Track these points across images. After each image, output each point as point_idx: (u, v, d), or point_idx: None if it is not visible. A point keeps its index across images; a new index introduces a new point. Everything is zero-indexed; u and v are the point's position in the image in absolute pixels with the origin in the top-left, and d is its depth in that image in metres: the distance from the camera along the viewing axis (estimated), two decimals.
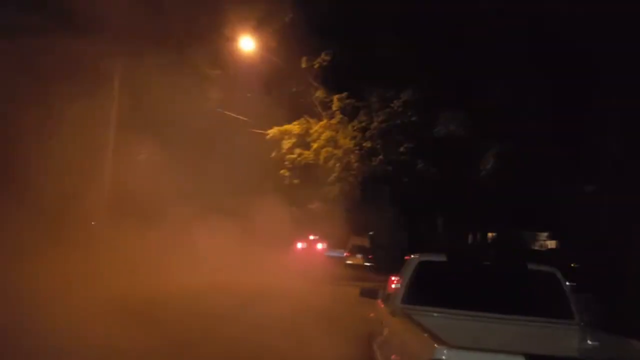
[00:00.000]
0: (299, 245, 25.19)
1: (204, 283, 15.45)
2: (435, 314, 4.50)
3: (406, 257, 5.34)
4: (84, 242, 16.09)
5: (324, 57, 19.05)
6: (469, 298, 4.64)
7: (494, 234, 28.82)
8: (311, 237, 26.25)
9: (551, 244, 31.43)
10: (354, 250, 27.52)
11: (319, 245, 27.67)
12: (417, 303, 4.66)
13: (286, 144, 20.52)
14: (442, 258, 4.89)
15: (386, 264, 20.14)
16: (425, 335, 3.21)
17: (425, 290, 4.76)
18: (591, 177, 17.71)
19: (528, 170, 18.07)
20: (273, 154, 20.89)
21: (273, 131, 20.74)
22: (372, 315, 5.77)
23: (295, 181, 20.81)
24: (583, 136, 15.93)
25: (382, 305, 5.27)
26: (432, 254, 5.15)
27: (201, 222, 19.70)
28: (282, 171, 20.83)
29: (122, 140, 18.42)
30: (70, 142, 17.39)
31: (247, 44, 19.79)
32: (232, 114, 20.39)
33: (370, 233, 27.67)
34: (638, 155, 13.60)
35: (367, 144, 18.96)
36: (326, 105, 20.51)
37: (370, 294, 5.60)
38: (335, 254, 27.90)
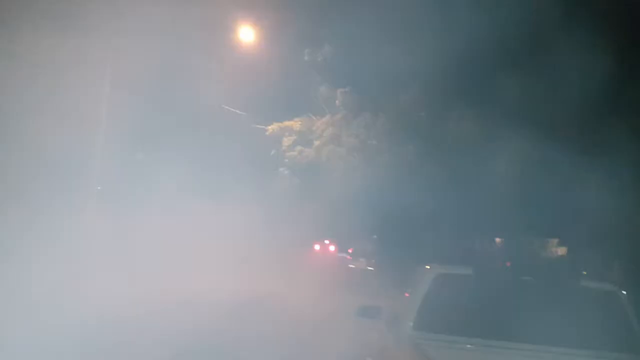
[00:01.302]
0: (316, 247, 27.04)
1: (190, 290, 14.55)
2: (457, 347, 3.37)
3: (420, 268, 4.22)
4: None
5: (326, 50, 17.96)
6: (503, 324, 3.52)
7: (500, 240, 27.75)
8: (326, 241, 27.73)
9: (561, 250, 30.33)
10: (357, 254, 26.70)
11: (332, 248, 28.77)
12: (432, 330, 3.55)
13: (286, 141, 19.45)
14: (466, 270, 3.77)
15: (389, 271, 19.03)
16: None
17: (444, 313, 3.66)
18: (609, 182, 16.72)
19: (544, 173, 17.01)
20: (273, 152, 19.83)
21: (273, 127, 19.70)
22: (373, 338, 4.65)
23: (296, 181, 19.74)
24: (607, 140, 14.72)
25: (386, 330, 4.15)
26: (453, 265, 4.04)
27: (194, 221, 18.79)
28: (281, 169, 19.76)
29: (113, 137, 17.47)
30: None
31: (246, 35, 18.77)
32: (231, 109, 19.40)
33: (375, 236, 26.60)
34: None
35: (372, 142, 17.83)
36: (330, 102, 19.41)
37: (369, 313, 4.47)
38: (344, 254, 28.40)
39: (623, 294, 3.56)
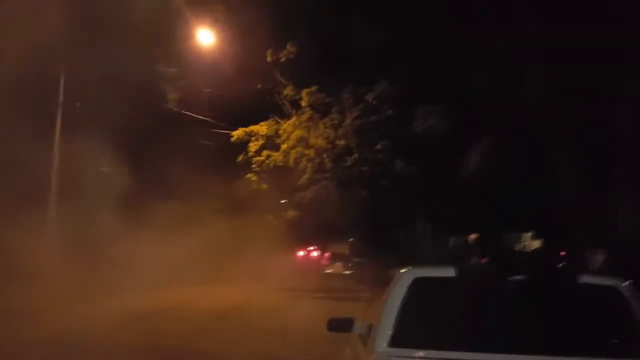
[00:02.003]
0: (300, 253, 28.34)
1: (166, 300, 13.91)
2: None
3: (392, 272, 3.67)
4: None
5: (289, 49, 17.40)
6: (496, 333, 2.98)
7: (474, 236, 27.58)
8: (310, 248, 28.64)
9: (536, 243, 30.40)
10: (333, 259, 26.07)
11: (314, 253, 29.05)
12: (412, 345, 2.99)
13: (253, 146, 18.77)
14: (447, 272, 3.22)
15: (367, 275, 18.53)
16: None
17: (425, 325, 3.10)
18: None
19: (515, 168, 16.83)
20: (239, 158, 19.13)
21: (238, 132, 19.00)
22: (345, 356, 4.07)
23: (264, 186, 19.09)
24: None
25: (360, 346, 3.57)
26: (431, 266, 3.48)
27: (161, 233, 18.03)
28: (248, 175, 19.08)
29: (70, 147, 16.57)
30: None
31: (206, 37, 18.06)
32: (191, 114, 18.66)
33: (351, 240, 26.08)
34: None
35: (341, 142, 17.33)
36: (296, 104, 18.85)
37: (342, 325, 3.90)
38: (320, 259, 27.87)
39: (628, 287, 3.08)
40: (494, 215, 20.67)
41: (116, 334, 9.09)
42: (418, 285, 3.20)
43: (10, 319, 10.09)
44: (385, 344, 3.04)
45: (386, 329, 3.11)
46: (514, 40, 13.01)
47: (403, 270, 3.39)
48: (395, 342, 3.02)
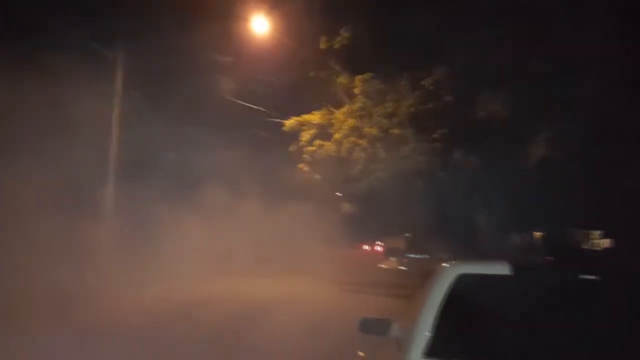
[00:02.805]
0: (365, 247, 31.13)
1: (218, 290, 13.92)
2: None
3: (434, 267, 3.08)
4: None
5: (343, 35, 16.79)
6: (558, 347, 2.35)
7: (542, 234, 26.11)
8: (375, 242, 30.23)
9: (604, 242, 28.42)
10: (388, 253, 25.47)
11: (378, 247, 30.29)
12: (452, 356, 2.41)
13: (305, 135, 18.34)
14: (501, 269, 2.60)
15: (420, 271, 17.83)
16: None
17: (470, 332, 2.51)
18: None
19: (585, 158, 15.50)
20: (291, 148, 18.78)
21: (291, 122, 18.62)
22: None
23: (317, 177, 18.66)
24: None
25: (396, 353, 3.01)
26: (480, 261, 2.88)
27: (214, 222, 18.06)
28: (300, 165, 18.69)
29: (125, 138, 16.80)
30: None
31: (260, 26, 17.75)
32: (246, 104, 18.46)
33: (407, 235, 25.31)
34: None
35: (395, 131, 16.57)
36: (350, 93, 18.22)
37: (376, 328, 3.36)
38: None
39: None
40: (560, 211, 19.31)
41: (166, 324, 9.05)
42: (463, 283, 2.62)
43: (68, 302, 10.30)
44: (419, 354, 2.49)
45: (422, 336, 2.55)
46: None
47: (445, 265, 2.82)
48: (432, 351, 2.46)
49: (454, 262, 2.81)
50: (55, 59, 15.08)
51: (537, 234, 27.25)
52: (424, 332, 2.52)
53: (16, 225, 12.57)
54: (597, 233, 29.57)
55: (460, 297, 2.57)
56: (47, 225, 13.17)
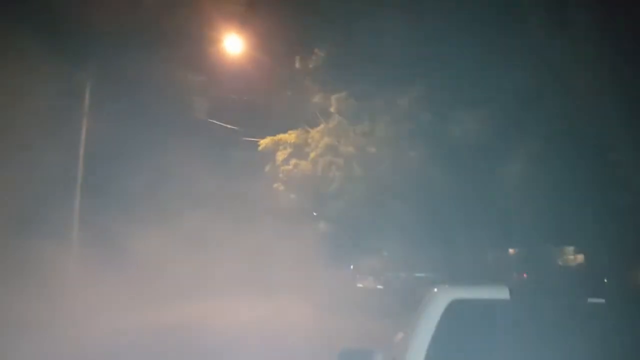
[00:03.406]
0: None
1: (190, 313, 13.43)
2: None
3: (423, 291, 2.87)
4: None
5: (318, 54, 16.77)
6: None
7: (514, 251, 26.27)
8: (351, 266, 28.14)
9: (579, 258, 28.77)
10: (364, 273, 25.20)
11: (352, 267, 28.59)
12: None
13: (281, 155, 18.14)
14: (500, 294, 2.40)
15: (399, 290, 17.59)
16: None
17: None
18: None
19: (559, 175, 15.68)
20: (267, 168, 18.54)
21: (266, 141, 18.42)
22: None
23: (292, 196, 18.41)
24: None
25: None
26: (474, 285, 2.67)
27: (186, 243, 17.60)
28: (275, 185, 18.43)
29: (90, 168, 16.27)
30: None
31: (234, 45, 17.63)
32: (220, 123, 18.22)
33: (385, 254, 25.18)
34: None
35: (372, 150, 16.49)
36: (326, 112, 18.14)
37: (355, 359, 3.11)
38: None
39: None
40: (534, 228, 19.43)
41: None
42: (456, 310, 2.41)
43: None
44: None
45: None
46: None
47: (437, 290, 2.60)
48: None
49: (445, 286, 2.60)
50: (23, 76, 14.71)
51: (511, 251, 27.42)
52: None
53: None
54: (570, 249, 29.96)
55: (454, 326, 2.36)
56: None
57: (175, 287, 16.60)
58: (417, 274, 20.82)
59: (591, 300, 2.31)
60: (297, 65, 17.52)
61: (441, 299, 2.51)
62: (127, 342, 9.61)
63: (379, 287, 23.43)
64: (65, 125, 16.14)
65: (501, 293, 2.38)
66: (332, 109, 17.25)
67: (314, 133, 17.98)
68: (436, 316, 2.44)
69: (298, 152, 18.23)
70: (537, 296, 2.53)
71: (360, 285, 24.41)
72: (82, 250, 15.23)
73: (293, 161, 17.89)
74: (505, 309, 2.34)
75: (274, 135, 18.58)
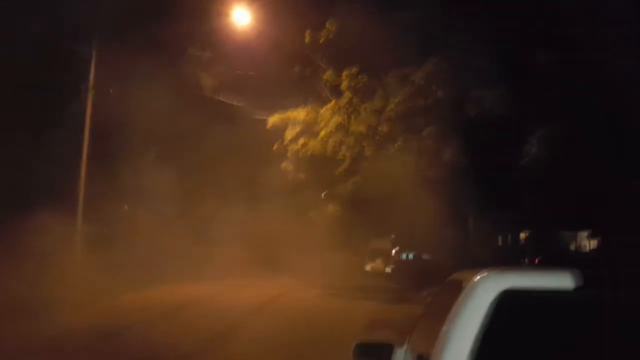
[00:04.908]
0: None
1: (199, 293, 13.16)
2: None
3: (458, 277, 2.36)
4: None
5: (329, 28, 16.07)
6: None
7: (526, 234, 25.72)
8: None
9: (593, 243, 28.14)
10: (373, 255, 24.71)
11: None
12: None
13: (289, 133, 17.54)
14: (562, 281, 1.88)
15: (411, 277, 17.10)
16: None
17: None
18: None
19: (575, 158, 15.07)
20: (275, 146, 17.97)
21: (274, 119, 17.81)
22: None
23: (301, 176, 17.86)
24: None
25: None
26: (529, 271, 2.15)
27: (196, 223, 17.26)
28: (283, 164, 17.88)
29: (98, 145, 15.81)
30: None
31: (241, 18, 16.94)
32: (228, 101, 17.63)
33: (393, 236, 24.65)
34: None
35: (383, 129, 15.87)
36: (336, 89, 17.49)
37: (374, 355, 2.66)
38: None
39: None
40: (549, 212, 18.84)
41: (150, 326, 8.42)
42: (509, 302, 1.90)
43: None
44: None
45: None
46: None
47: (480, 277, 2.09)
48: None
49: (492, 273, 2.08)
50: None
51: (523, 235, 26.84)
52: None
53: None
54: (584, 234, 29.27)
55: (507, 322, 1.86)
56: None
57: (180, 267, 16.33)
58: (424, 256, 20.33)
59: None
60: (307, 39, 16.85)
61: (489, 287, 1.99)
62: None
63: (387, 270, 23.00)
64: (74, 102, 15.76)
65: (564, 280, 1.86)
66: (342, 86, 16.60)
67: (324, 111, 17.36)
68: (482, 311, 1.93)
69: (307, 130, 17.63)
70: (615, 285, 2.00)
71: (368, 268, 24.00)
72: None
73: (302, 140, 17.30)
74: (569, 302, 1.82)
75: (283, 112, 17.96)
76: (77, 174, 14.94)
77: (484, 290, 2.01)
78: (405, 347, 2.87)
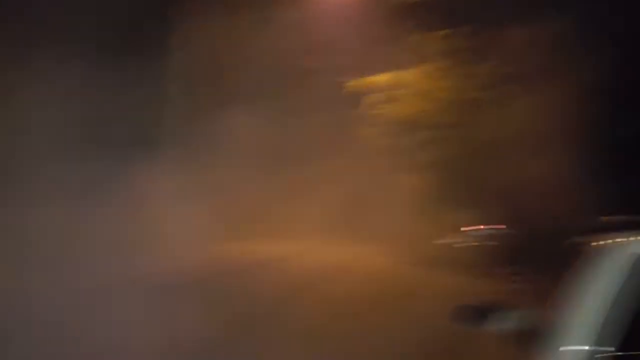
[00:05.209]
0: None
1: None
2: None
3: (576, 243, 1.94)
4: None
5: None
6: None
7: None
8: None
9: None
10: (458, 227, 23.88)
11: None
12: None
13: (372, 98, 17.08)
14: None
15: (497, 252, 16.13)
16: None
17: None
18: None
19: None
20: (356, 111, 17.57)
21: (356, 83, 17.36)
22: None
23: (382, 142, 17.40)
24: None
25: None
26: None
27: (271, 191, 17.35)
28: (364, 130, 17.48)
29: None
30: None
31: None
32: (306, 64, 17.31)
33: (480, 209, 23.54)
34: None
35: (474, 95, 14.98)
36: (424, 53, 16.69)
37: (477, 317, 2.40)
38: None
39: None
40: None
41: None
42: None
43: None
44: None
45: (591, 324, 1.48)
46: None
47: (605, 242, 1.68)
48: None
49: (622, 236, 1.64)
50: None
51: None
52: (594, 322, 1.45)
53: None
54: None
55: None
56: None
57: (266, 225, 16.58)
58: (511, 230, 19.23)
59: None
60: None
61: (621, 254, 1.57)
62: None
63: (474, 243, 22.13)
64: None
65: None
66: (430, 50, 15.78)
67: (408, 76, 16.65)
68: (614, 279, 1.52)
69: (390, 96, 17.04)
70: None
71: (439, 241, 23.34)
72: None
73: (384, 106, 16.76)
74: None
75: (363, 77, 17.43)
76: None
77: (616, 256, 1.60)
78: (518, 312, 2.56)
